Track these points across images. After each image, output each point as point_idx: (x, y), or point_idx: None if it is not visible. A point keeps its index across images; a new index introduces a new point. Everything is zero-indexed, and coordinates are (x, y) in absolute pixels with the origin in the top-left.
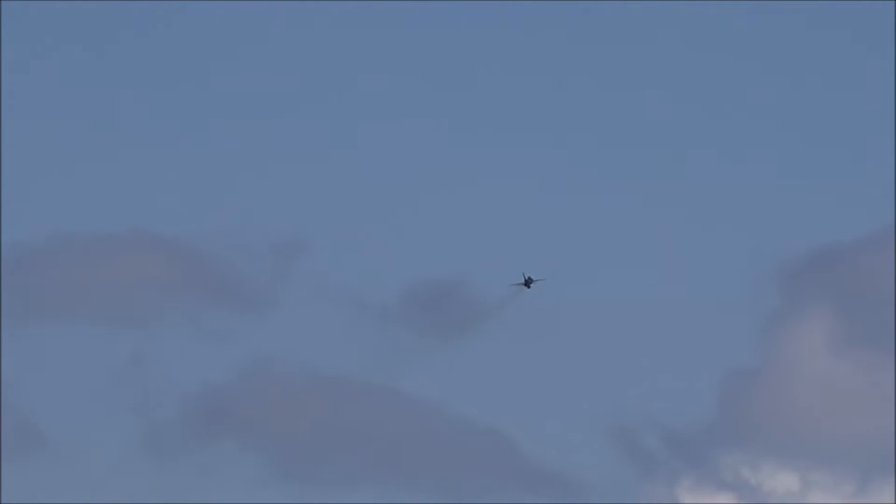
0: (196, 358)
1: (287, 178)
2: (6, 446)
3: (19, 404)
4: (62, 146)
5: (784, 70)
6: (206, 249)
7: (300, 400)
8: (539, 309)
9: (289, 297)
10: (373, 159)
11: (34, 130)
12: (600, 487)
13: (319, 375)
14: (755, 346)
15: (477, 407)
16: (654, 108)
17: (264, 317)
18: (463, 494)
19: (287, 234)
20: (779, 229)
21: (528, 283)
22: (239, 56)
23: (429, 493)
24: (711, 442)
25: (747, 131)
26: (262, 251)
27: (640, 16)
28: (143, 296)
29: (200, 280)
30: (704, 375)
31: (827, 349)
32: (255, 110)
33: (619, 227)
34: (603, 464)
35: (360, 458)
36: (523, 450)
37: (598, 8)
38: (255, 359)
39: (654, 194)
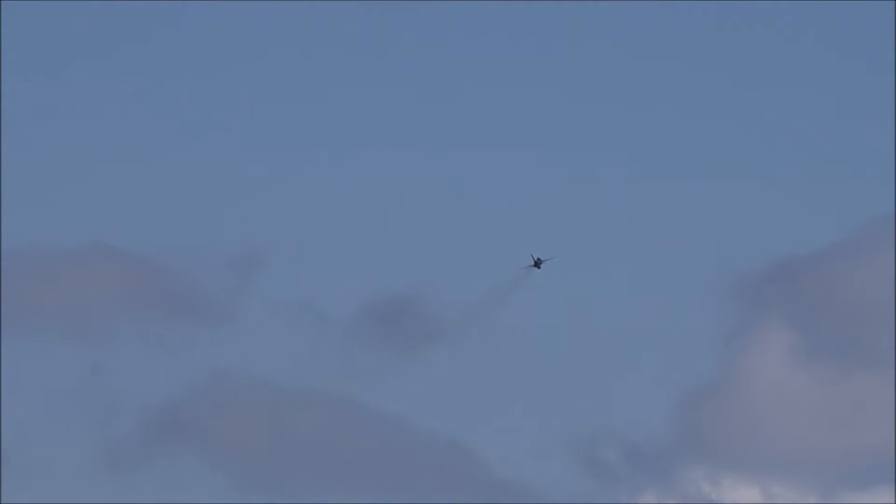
0: (155, 371)
1: (245, 192)
2: None
3: None
4: (19, 161)
5: (745, 81)
6: (165, 263)
7: (259, 413)
8: (500, 323)
9: (248, 311)
10: (332, 174)
11: None
12: (562, 501)
13: (278, 389)
14: (716, 360)
15: (438, 420)
16: (612, 125)
17: (223, 330)
18: None
19: (246, 248)
20: (738, 242)
21: (538, 263)
22: (197, 71)
23: None
24: (673, 456)
25: (705, 144)
26: (221, 265)
27: (600, 37)
28: (101, 309)
29: (159, 294)
30: (666, 389)
31: (787, 362)
32: (215, 125)
33: (578, 241)
34: (564, 477)
35: (319, 471)
36: (484, 463)
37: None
38: (215, 372)
39: (613, 209)
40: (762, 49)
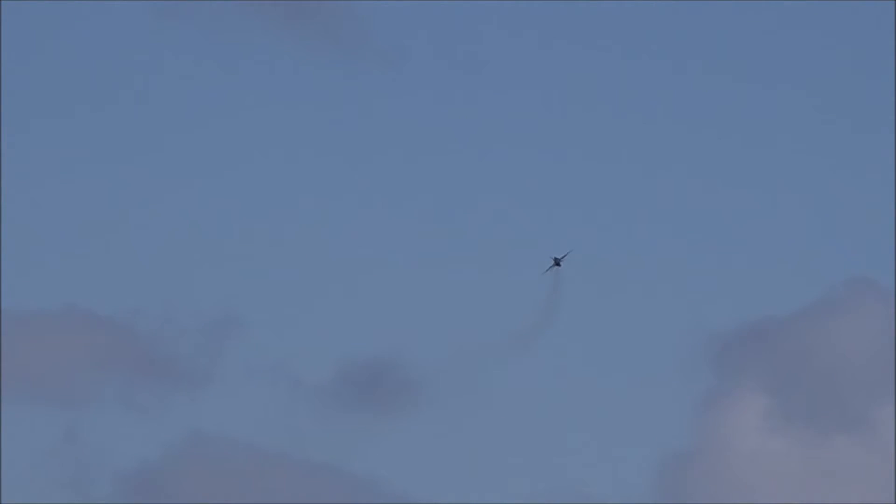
0: (130, 435)
1: (220, 255)
2: None
3: None
4: None
5: (719, 142)
6: (140, 326)
7: (236, 476)
8: (475, 386)
9: (223, 375)
10: (307, 237)
11: None
12: None
13: (255, 452)
14: (691, 424)
15: (414, 484)
16: (580, 180)
17: (198, 394)
18: None
19: (220, 311)
20: (711, 304)
21: (558, 262)
22: (171, 133)
23: None
24: None
25: (679, 205)
26: (195, 328)
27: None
28: (75, 372)
29: (133, 357)
30: (640, 455)
31: (763, 426)
32: (188, 187)
33: (553, 302)
34: None
35: None
36: None
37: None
38: (190, 436)
39: (585, 268)
40: (742, 112)
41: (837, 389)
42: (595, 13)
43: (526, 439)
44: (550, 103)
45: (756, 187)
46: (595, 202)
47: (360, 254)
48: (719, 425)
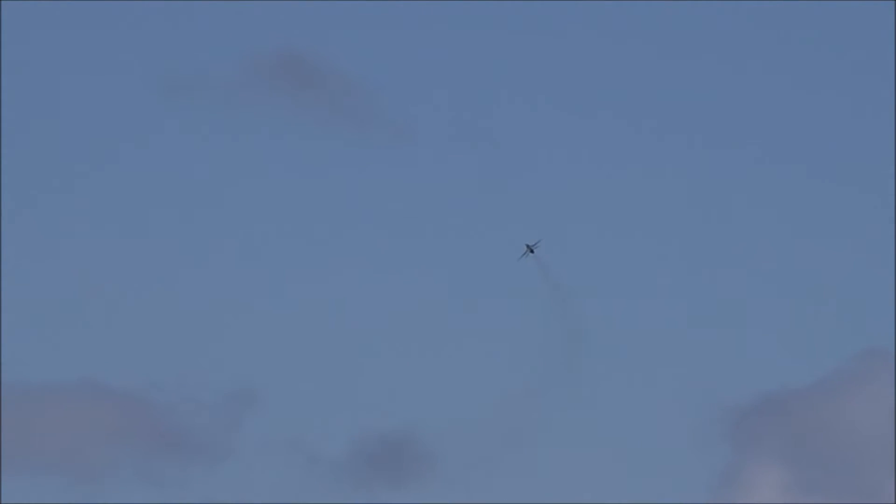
0: None
1: (236, 329)
2: None
3: None
4: (8, 295)
5: (734, 225)
6: (156, 400)
7: None
8: (490, 460)
9: (239, 449)
10: (321, 311)
11: None
12: None
13: None
14: (708, 499)
15: None
16: (593, 253)
17: (215, 468)
18: None
19: (236, 385)
20: (726, 377)
21: (531, 249)
22: (186, 209)
23: None
24: None
25: (693, 284)
26: (211, 402)
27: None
28: (91, 447)
29: (149, 431)
30: None
31: (781, 499)
32: (204, 262)
33: (567, 377)
34: None
35: None
36: None
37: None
38: None
39: (599, 343)
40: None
41: (854, 461)
42: (608, 81)
43: None
44: (563, 176)
45: (771, 259)
46: (609, 276)
47: (374, 327)
48: (737, 498)
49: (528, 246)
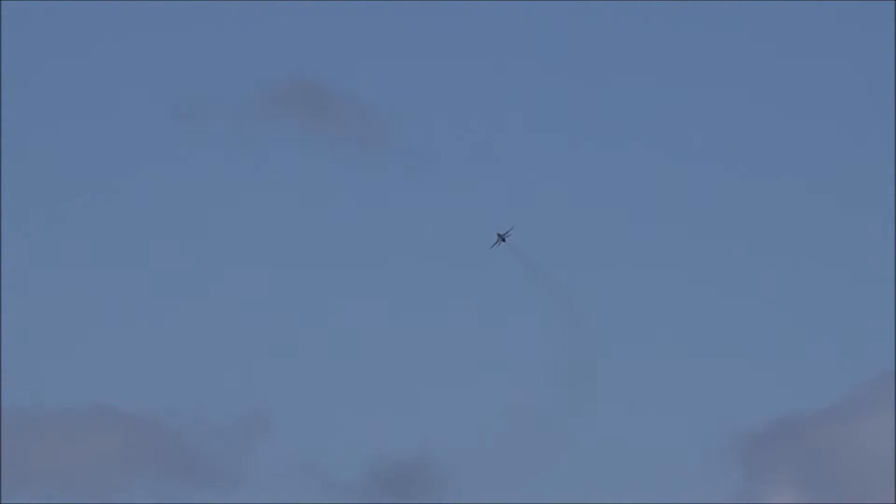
0: None
1: (250, 354)
2: None
3: None
4: (20, 320)
5: (743, 239)
6: (169, 425)
7: None
8: (502, 484)
9: (252, 474)
10: (335, 337)
11: None
12: None
13: None
14: None
15: None
16: (604, 282)
17: (228, 493)
18: None
19: (250, 410)
20: (739, 402)
21: (502, 237)
22: (201, 234)
23: None
24: None
25: (707, 313)
26: (225, 428)
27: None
28: (102, 473)
29: (163, 456)
30: None
31: None
32: (216, 286)
33: (580, 402)
34: None
35: None
36: None
37: None
38: None
39: (611, 370)
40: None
41: (866, 486)
42: (615, 106)
43: None
44: (576, 204)
45: (783, 284)
46: (621, 303)
47: (388, 353)
48: None
49: (499, 235)
